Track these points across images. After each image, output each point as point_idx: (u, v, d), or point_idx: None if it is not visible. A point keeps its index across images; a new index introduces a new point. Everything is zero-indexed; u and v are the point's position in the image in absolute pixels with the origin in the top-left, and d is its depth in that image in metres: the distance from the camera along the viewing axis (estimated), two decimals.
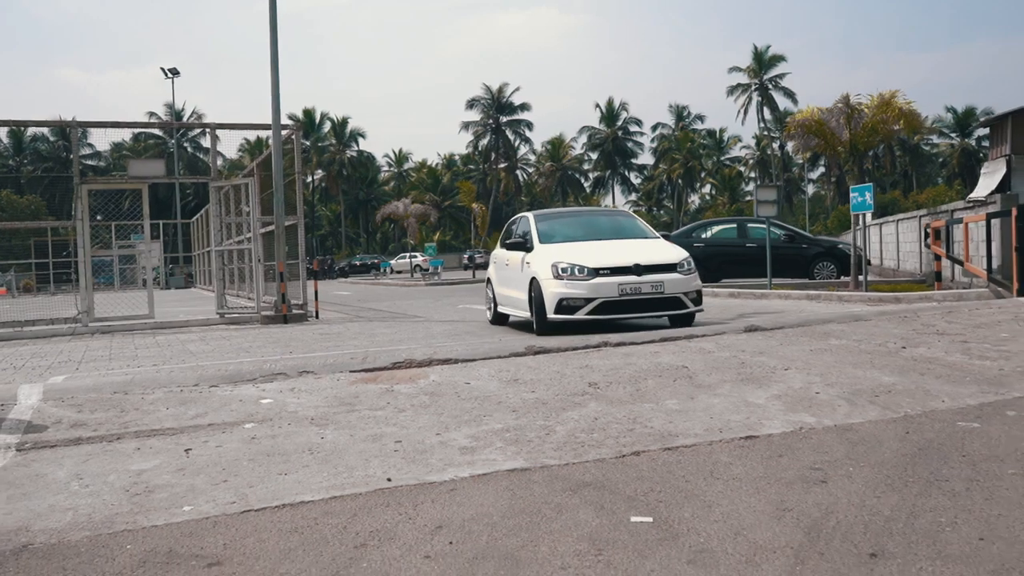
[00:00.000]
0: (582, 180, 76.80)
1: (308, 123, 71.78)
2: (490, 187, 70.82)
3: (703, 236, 18.85)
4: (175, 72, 40.47)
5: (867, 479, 3.26)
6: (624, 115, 74.24)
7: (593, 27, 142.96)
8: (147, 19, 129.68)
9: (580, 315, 8.59)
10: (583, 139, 75.89)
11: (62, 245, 22.49)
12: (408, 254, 59.56)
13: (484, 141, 71.99)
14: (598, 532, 2.78)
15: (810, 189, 75.77)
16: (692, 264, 8.99)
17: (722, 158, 76.54)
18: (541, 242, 9.63)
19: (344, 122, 71.81)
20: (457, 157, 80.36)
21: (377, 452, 3.92)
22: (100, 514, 3.16)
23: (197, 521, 3.05)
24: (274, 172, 13.46)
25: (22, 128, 59.20)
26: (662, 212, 77.14)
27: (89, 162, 65.77)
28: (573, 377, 5.52)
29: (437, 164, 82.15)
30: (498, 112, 70.30)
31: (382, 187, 78.01)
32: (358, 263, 58.49)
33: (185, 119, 65.35)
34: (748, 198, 76.81)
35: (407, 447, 3.99)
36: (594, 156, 75.93)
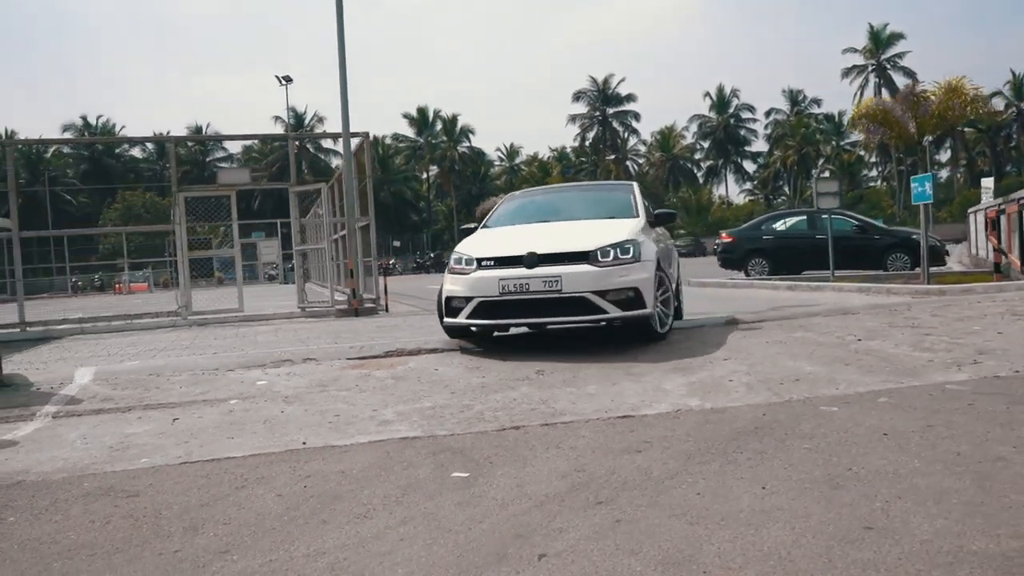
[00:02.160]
0: (694, 169, 76.05)
1: (421, 120, 74.31)
2: (601, 179, 71.16)
3: (773, 228, 18.97)
4: (288, 79, 43.33)
5: (676, 451, 3.90)
6: (735, 102, 73.16)
7: (700, 13, 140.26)
8: (282, 21, 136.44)
9: (461, 319, 6.88)
10: (693, 128, 75.12)
11: (195, 243, 24.74)
12: None
13: (591, 133, 72.40)
14: (418, 481, 3.59)
15: (938, 174, 72.12)
16: (630, 252, 6.64)
17: (842, 143, 74.04)
18: (486, 226, 8.11)
19: (454, 119, 73.84)
20: (569, 149, 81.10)
21: (315, 423, 4.83)
22: (82, 462, 4.20)
23: (144, 469, 4.04)
24: (344, 178, 14.66)
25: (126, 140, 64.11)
26: (781, 200, 75.42)
27: (223, 164, 70.46)
28: (526, 367, 6.28)
29: (549, 158, 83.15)
30: (604, 104, 70.62)
31: (494, 182, 79.63)
32: None
33: (307, 121, 69.02)
34: (870, 184, 74.03)
35: (340, 420, 4.89)
36: (705, 145, 75.00)
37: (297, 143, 68.32)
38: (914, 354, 6.09)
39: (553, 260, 6.63)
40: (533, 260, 6.64)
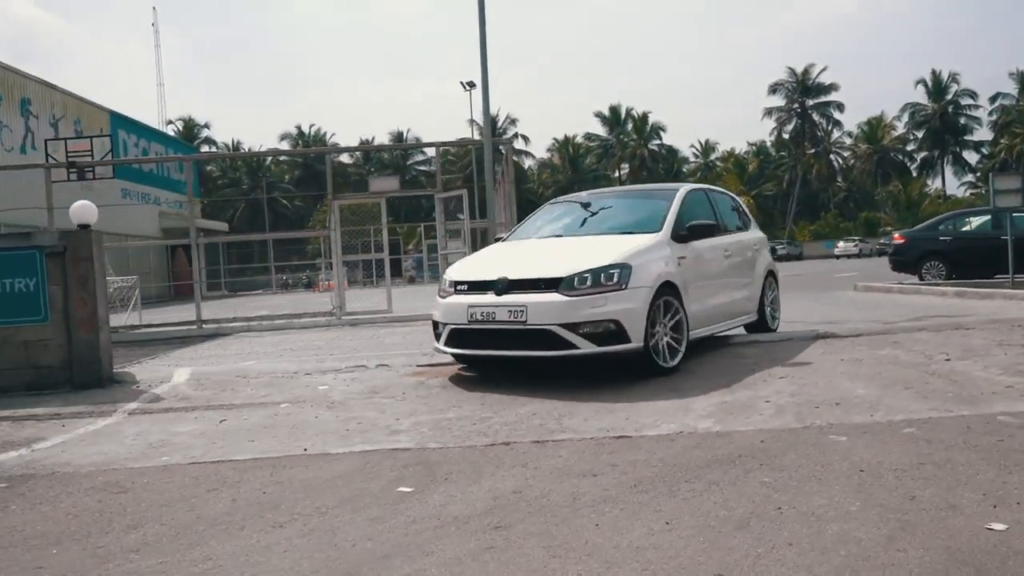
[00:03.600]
0: (905, 161, 70.60)
1: (613, 119, 74.30)
2: (799, 173, 67.86)
3: (953, 228, 17.38)
4: (472, 84, 44.79)
5: (632, 476, 3.80)
6: (954, 88, 67.00)
7: None
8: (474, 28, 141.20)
9: (439, 344, 6.53)
10: (905, 117, 69.71)
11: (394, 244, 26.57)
12: None
13: (789, 127, 69.11)
14: (360, 494, 3.76)
15: None
16: (614, 279, 5.90)
17: None
18: (510, 238, 7.68)
19: (644, 117, 73.11)
20: (768, 143, 77.95)
21: (333, 430, 5.13)
22: (113, 458, 4.74)
23: (155, 467, 4.50)
24: (487, 181, 15.09)
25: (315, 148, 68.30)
26: None
27: (421, 168, 74.16)
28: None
29: (747, 153, 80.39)
30: (803, 95, 67.12)
31: (687, 179, 78.06)
32: None
33: (500, 123, 71.10)
34: None
35: (358, 428, 5.15)
36: (919, 135, 69.40)
37: (512, 141, 70.75)
38: (997, 378, 5.49)
39: (524, 287, 6.00)
40: (504, 286, 6.05)
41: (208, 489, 4.01)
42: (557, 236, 7.21)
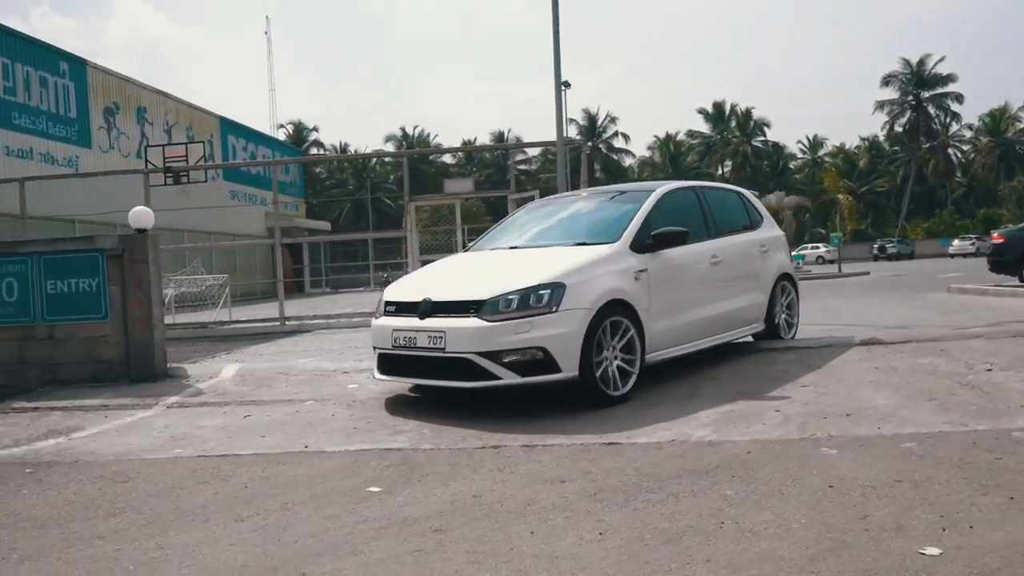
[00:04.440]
0: None
1: (717, 115, 72.74)
2: (914, 169, 64.73)
3: None
4: (567, 84, 44.80)
5: (599, 484, 3.80)
6: None
7: None
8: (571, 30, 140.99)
9: (374, 371, 6.04)
10: None
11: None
12: (811, 245, 57.59)
13: (902, 120, 65.98)
14: (330, 492, 3.90)
15: None
16: (543, 300, 5.26)
17: None
18: (474, 247, 7.10)
19: (748, 113, 71.25)
20: (882, 138, 74.65)
21: (342, 428, 5.31)
22: (139, 448, 5.05)
23: (164, 459, 4.77)
24: (559, 182, 15.10)
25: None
26: None
27: (522, 167, 74.60)
28: None
29: (857, 148, 77.25)
30: (918, 87, 63.90)
31: (794, 176, 75.69)
32: None
33: (600, 123, 70.91)
34: None
35: (367, 427, 5.31)
36: None
37: (589, 144, 70.68)
38: None
39: (446, 310, 5.48)
40: (427, 309, 5.55)
41: (199, 482, 4.23)
42: (512, 247, 6.54)
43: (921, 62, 64.01)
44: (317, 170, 69.33)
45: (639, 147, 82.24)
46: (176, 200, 20.51)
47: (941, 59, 64.11)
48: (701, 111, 73.77)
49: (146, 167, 16.28)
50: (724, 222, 7.28)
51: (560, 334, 5.22)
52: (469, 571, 2.83)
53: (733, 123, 72.21)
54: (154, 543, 3.30)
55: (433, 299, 5.58)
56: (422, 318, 5.52)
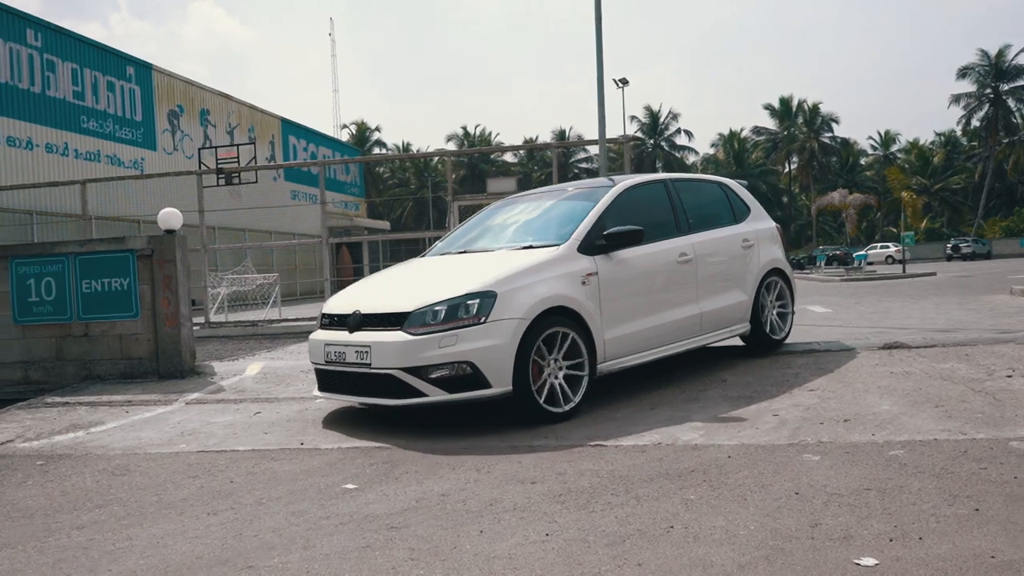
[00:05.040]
0: None
1: (783, 111, 71.31)
2: (993, 165, 62.33)
3: None
4: (624, 82, 44.42)
5: (567, 487, 3.81)
6: None
7: None
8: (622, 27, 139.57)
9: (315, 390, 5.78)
10: None
11: None
12: (880, 244, 55.99)
13: (980, 114, 63.55)
14: (306, 488, 4.00)
15: None
16: (472, 311, 4.94)
17: None
18: (430, 251, 6.67)
19: (815, 108, 69.61)
20: (958, 132, 72.07)
21: (344, 424, 5.42)
22: (148, 443, 5.25)
23: (167, 453, 4.95)
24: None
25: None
26: None
27: (583, 165, 74.43)
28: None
29: (932, 143, 74.81)
30: (996, 79, 61.45)
31: (863, 172, 73.70)
32: (830, 254, 56.18)
33: (662, 119, 70.31)
34: None
35: (369, 424, 5.41)
36: None
37: (651, 142, 70.20)
38: None
39: (374, 323, 5.20)
40: (356, 321, 5.27)
41: (190, 476, 4.39)
42: (461, 252, 6.16)
43: (1000, 53, 61.55)
44: (380, 169, 70.33)
45: (703, 144, 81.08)
46: (236, 200, 21.09)
47: (1022, 50, 61.57)
48: (767, 107, 72.46)
49: (199, 168, 16.79)
50: (700, 217, 6.75)
51: (489, 347, 4.88)
52: (405, 568, 2.88)
53: (800, 119, 70.67)
54: (125, 535, 3.44)
55: (362, 311, 5.30)
56: (351, 331, 5.25)
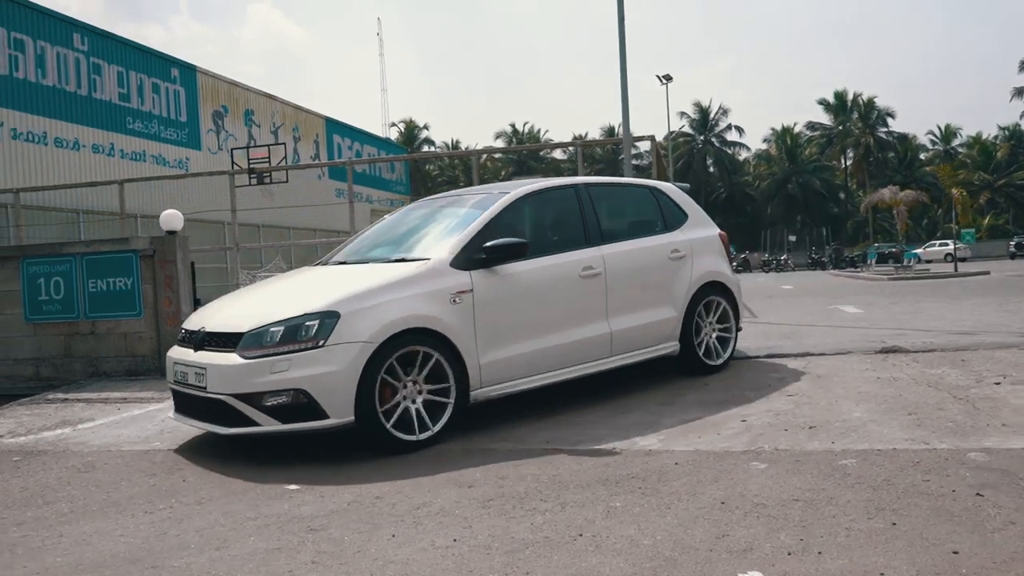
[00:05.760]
0: None
1: (838, 106, 69.78)
2: None
3: None
4: (668, 78, 44.00)
5: (500, 491, 3.81)
6: None
7: None
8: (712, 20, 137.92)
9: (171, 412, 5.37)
10: None
11: None
12: (939, 242, 54.37)
13: None
14: (257, 487, 4.06)
15: None
16: (310, 333, 4.47)
17: None
18: (329, 259, 6.06)
19: (870, 102, 67.96)
20: (1023, 126, 69.59)
21: None
22: (125, 440, 5.39)
23: (139, 451, 5.08)
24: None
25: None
26: None
27: (635, 162, 73.85)
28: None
29: (995, 138, 72.41)
30: None
31: (922, 168, 71.66)
32: (884, 251, 54.75)
33: (712, 116, 69.39)
34: None
35: None
36: None
37: (701, 138, 69.43)
38: None
39: (215, 342, 4.79)
40: (200, 339, 4.89)
41: (148, 474, 4.50)
42: (340, 263, 5.74)
43: None
44: (429, 167, 70.82)
45: (755, 140, 79.83)
46: (269, 200, 21.44)
47: None
48: (821, 101, 70.98)
49: (232, 168, 17.13)
50: (619, 225, 6.20)
51: (326, 373, 4.41)
52: (302, 571, 2.92)
53: (855, 114, 69.08)
54: (58, 532, 3.55)
55: (207, 328, 4.91)
56: (196, 350, 4.87)
